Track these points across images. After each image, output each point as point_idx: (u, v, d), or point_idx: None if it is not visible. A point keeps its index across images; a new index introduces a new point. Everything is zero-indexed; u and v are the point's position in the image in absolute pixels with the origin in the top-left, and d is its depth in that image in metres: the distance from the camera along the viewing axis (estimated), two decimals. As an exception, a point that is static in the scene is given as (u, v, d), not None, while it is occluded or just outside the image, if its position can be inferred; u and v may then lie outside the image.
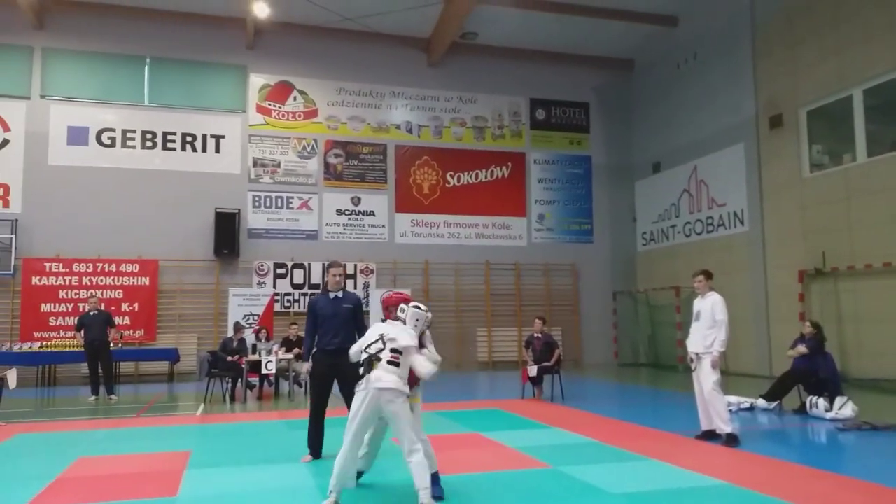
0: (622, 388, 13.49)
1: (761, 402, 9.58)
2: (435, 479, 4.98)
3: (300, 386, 11.84)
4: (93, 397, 11.43)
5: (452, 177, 18.32)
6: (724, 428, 7.05)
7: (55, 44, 15.81)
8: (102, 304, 12.90)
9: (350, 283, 16.87)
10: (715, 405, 7.12)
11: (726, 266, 15.07)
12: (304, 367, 6.48)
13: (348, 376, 5.94)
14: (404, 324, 5.14)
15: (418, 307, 5.27)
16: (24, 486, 5.50)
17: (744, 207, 15.43)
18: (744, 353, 14.77)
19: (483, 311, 17.57)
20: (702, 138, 16.80)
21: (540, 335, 10.94)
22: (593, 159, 19.49)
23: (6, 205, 15.21)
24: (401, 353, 4.89)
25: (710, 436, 7.23)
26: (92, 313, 11.70)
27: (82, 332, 11.57)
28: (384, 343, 4.91)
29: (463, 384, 13.66)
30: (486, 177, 18.57)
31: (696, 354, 7.28)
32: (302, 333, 12.36)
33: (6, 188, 15.27)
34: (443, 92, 18.40)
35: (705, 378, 7.17)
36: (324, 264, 16.63)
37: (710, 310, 7.21)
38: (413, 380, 5.02)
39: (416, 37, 17.93)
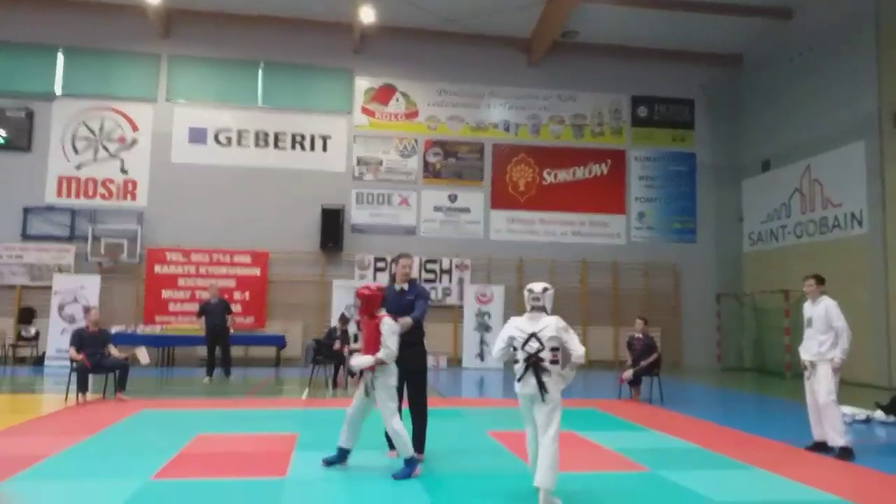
0: (725, 392, 13.01)
1: (879, 415, 9.03)
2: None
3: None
4: (207, 378, 12.23)
5: (549, 174, 18.22)
6: (838, 440, 6.69)
7: (179, 51, 17.01)
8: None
9: (445, 277, 17.19)
10: (829, 416, 6.75)
11: (841, 269, 14.18)
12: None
13: (416, 379, 6.11)
14: (543, 311, 5.03)
15: (547, 288, 5.18)
16: (150, 457, 5.98)
17: (863, 208, 14.48)
18: (860, 362, 13.82)
19: (579, 310, 17.39)
20: (816, 136, 15.88)
21: (641, 335, 10.75)
22: (698, 157, 18.83)
23: (134, 198, 16.50)
24: (558, 348, 4.87)
25: (822, 448, 6.87)
26: (213, 301, 12.58)
27: (203, 318, 12.43)
28: (541, 342, 4.87)
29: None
30: (584, 174, 18.34)
31: (811, 362, 6.96)
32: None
33: (134, 184, 16.56)
34: (542, 91, 18.33)
35: (820, 387, 6.82)
36: (421, 259, 17.01)
37: (823, 315, 6.88)
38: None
39: (516, 37, 17.94)
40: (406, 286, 6.27)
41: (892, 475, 5.99)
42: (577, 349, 4.90)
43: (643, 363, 10.43)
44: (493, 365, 16.04)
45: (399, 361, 5.74)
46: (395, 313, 5.90)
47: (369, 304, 5.67)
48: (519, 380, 4.95)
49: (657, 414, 9.28)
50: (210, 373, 12.32)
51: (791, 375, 15.38)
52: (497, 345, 5.15)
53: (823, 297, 7.02)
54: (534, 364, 4.86)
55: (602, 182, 18.36)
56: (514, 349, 5.00)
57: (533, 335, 4.90)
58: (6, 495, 4.79)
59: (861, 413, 9.07)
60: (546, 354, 4.87)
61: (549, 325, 4.93)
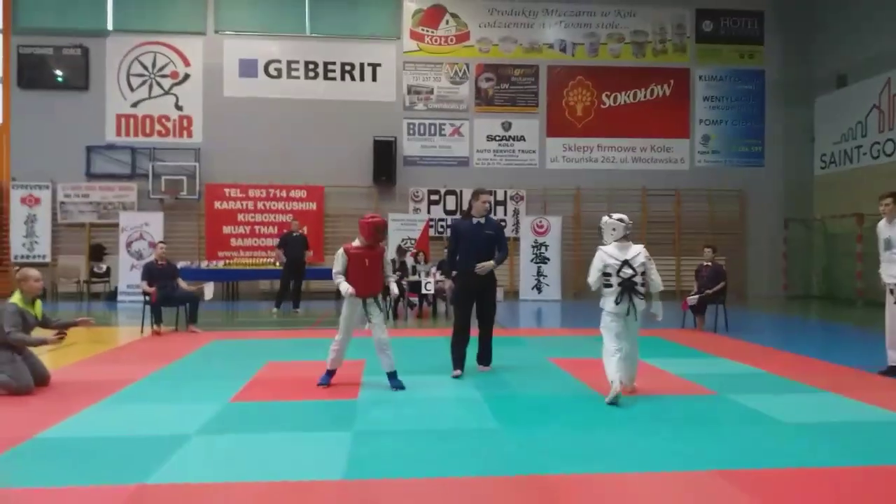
0: (793, 321, 12.67)
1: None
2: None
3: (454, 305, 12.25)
4: (275, 310, 12.53)
5: (608, 97, 17.55)
6: None
7: (226, -20, 16.77)
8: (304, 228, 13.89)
9: (500, 209, 16.97)
10: None
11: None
12: (448, 285, 6.78)
13: (488, 293, 6.78)
14: (623, 239, 5.69)
15: (622, 218, 5.80)
16: (226, 383, 6.20)
17: (949, 124, 13.53)
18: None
19: (639, 240, 16.91)
20: (898, 46, 14.76)
21: (709, 263, 10.45)
22: (767, 74, 17.79)
23: (189, 135, 16.68)
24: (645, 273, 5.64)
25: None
26: (295, 234, 12.78)
27: (283, 250, 12.63)
28: (633, 268, 5.58)
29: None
30: (645, 96, 17.59)
31: (893, 284, 6.59)
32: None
33: (189, 120, 16.70)
34: (599, 6, 17.46)
35: None
36: (478, 192, 16.75)
37: None
38: None
39: (571, -52, 17.03)
40: (483, 220, 6.73)
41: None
42: (657, 279, 5.71)
43: (708, 291, 10.16)
44: (552, 297, 16.00)
45: (475, 284, 6.60)
46: (473, 245, 6.57)
47: (370, 232, 6.00)
48: (617, 302, 5.59)
49: (722, 342, 9.13)
50: (279, 304, 12.58)
51: (862, 303, 14.85)
52: (593, 274, 5.73)
53: None
54: (629, 288, 5.57)
55: (664, 104, 17.58)
56: (608, 275, 5.64)
57: (626, 262, 5.59)
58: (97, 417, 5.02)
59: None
60: (638, 279, 5.61)
61: (640, 253, 5.66)
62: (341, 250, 6.08)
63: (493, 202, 16.62)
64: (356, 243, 6.12)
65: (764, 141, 17.83)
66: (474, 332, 6.83)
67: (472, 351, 6.88)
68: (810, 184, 17.81)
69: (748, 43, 17.80)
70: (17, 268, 6.25)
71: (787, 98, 17.78)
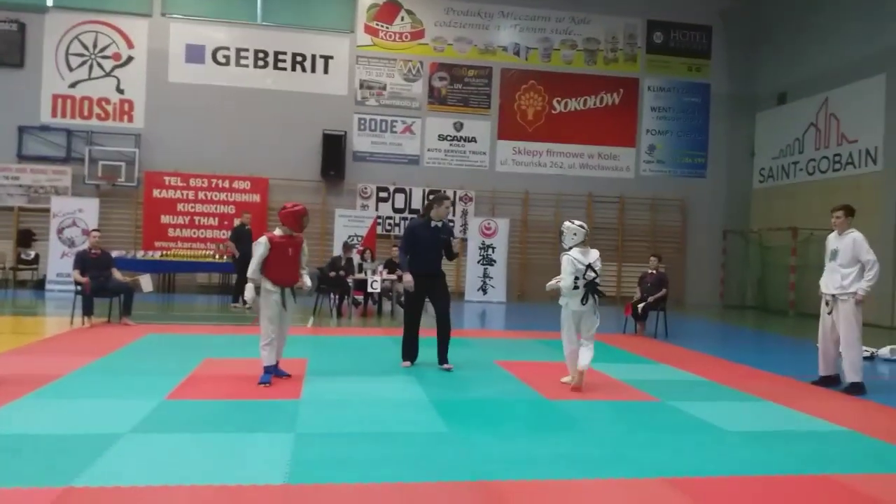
0: (729, 329, 13.05)
1: (883, 352, 9.04)
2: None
3: (401, 306, 12.12)
4: (233, 305, 12.35)
5: (559, 103, 17.72)
6: (855, 377, 6.63)
7: (174, -39, 16.19)
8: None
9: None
10: (851, 352, 6.65)
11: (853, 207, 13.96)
12: (408, 279, 6.83)
13: (441, 295, 7.00)
14: (581, 244, 6.18)
15: (582, 224, 6.33)
16: (162, 378, 5.95)
17: (878, 145, 14.18)
18: (865, 301, 13.85)
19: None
20: (836, 68, 15.38)
21: (654, 271, 10.68)
22: (713, 87, 18.29)
23: (131, 119, 16.04)
24: None
25: (828, 382, 6.87)
26: (247, 228, 12.47)
27: (236, 244, 12.38)
28: (595, 271, 6.13)
29: (559, 315, 13.57)
30: (594, 103, 17.85)
31: (833, 296, 6.81)
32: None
33: (131, 104, 16.06)
34: (554, 12, 17.60)
35: (845, 322, 6.66)
36: (424, 190, 16.73)
37: (850, 248, 6.68)
38: None
39: (528, -47, 17.12)
40: (440, 223, 6.97)
41: (905, 410, 5.98)
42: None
43: (651, 298, 10.37)
44: (497, 298, 16.05)
45: (425, 286, 6.90)
46: (429, 246, 6.86)
47: (297, 220, 6.09)
48: (584, 302, 6.13)
49: (663, 348, 9.30)
50: (236, 299, 12.25)
51: (794, 314, 15.42)
52: (567, 278, 6.13)
53: (851, 230, 6.81)
54: (592, 289, 6.13)
55: (613, 112, 17.89)
56: (576, 278, 6.11)
57: (589, 266, 6.12)
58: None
59: (865, 351, 9.05)
60: (598, 280, 6.16)
61: (598, 258, 6.23)
62: (264, 238, 6.04)
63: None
64: (278, 232, 6.12)
65: (707, 153, 18.34)
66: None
67: (431, 353, 7.00)
68: (749, 196, 18.42)
69: (696, 56, 18.28)
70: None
71: (730, 112, 18.34)
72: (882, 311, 13.47)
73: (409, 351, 7.05)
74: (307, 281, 6.37)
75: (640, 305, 10.41)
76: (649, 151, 18.08)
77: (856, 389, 6.60)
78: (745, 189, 18.43)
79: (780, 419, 5.47)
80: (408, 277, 6.85)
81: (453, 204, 16.98)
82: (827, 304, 6.90)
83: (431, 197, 7.24)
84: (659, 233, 17.77)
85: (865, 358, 8.89)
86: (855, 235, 6.74)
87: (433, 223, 6.91)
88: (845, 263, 6.71)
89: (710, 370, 7.52)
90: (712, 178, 18.31)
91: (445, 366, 6.96)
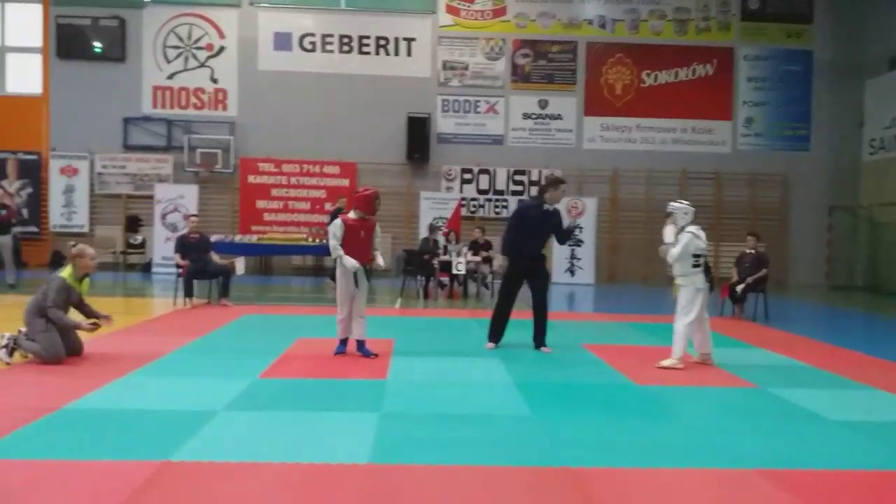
0: (836, 312, 12.28)
1: None
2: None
3: (487, 288, 12.12)
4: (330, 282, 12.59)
5: (648, 76, 17.06)
6: None
7: (262, -48, 16.62)
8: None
9: (534, 189, 16.65)
10: None
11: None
12: (500, 262, 6.82)
13: (540, 276, 7.02)
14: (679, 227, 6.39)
15: (690, 204, 6.59)
16: (256, 358, 6.16)
17: None
18: None
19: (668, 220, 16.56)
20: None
21: (752, 251, 10.16)
22: (815, 55, 17.11)
23: (225, 108, 16.69)
24: None
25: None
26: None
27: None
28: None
29: (654, 298, 13.20)
30: (687, 75, 17.06)
31: None
32: (487, 238, 12.63)
33: (224, 93, 16.70)
34: (642, -18, 16.92)
35: None
36: (509, 171, 16.56)
37: None
38: None
39: (615, -79, 16.46)
40: (552, 208, 6.92)
41: None
42: None
43: (750, 279, 9.87)
44: (585, 280, 15.75)
45: (526, 267, 6.90)
46: (538, 229, 6.86)
47: (369, 203, 6.27)
48: (708, 280, 6.40)
49: (762, 331, 8.86)
50: (333, 277, 12.54)
51: (909, 293, 14.34)
52: (681, 252, 6.29)
53: None
54: (707, 268, 6.40)
55: (707, 84, 17.03)
56: (697, 255, 6.29)
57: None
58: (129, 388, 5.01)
59: None
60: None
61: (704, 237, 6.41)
62: (339, 221, 6.29)
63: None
64: (352, 215, 6.32)
65: (810, 125, 17.20)
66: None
67: (519, 335, 7.07)
68: (858, 170, 17.16)
69: (796, 22, 17.10)
70: (73, 242, 6.23)
71: (835, 80, 17.09)
72: None
73: (497, 333, 7.02)
74: (380, 261, 6.54)
75: (739, 287, 9.92)
76: (747, 124, 17.13)
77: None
78: (853, 162, 17.17)
79: (891, 409, 5.08)
80: (499, 260, 6.87)
81: (538, 183, 16.72)
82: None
83: (547, 179, 7.17)
84: (758, 210, 16.87)
85: None
86: None
87: (545, 206, 6.85)
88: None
89: (814, 355, 7.09)
90: (816, 151, 17.18)
91: (544, 349, 6.95)
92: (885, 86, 16.34)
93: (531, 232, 6.82)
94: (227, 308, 9.53)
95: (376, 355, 6.33)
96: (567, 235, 7.10)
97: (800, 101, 17.20)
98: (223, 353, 6.50)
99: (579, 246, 7.24)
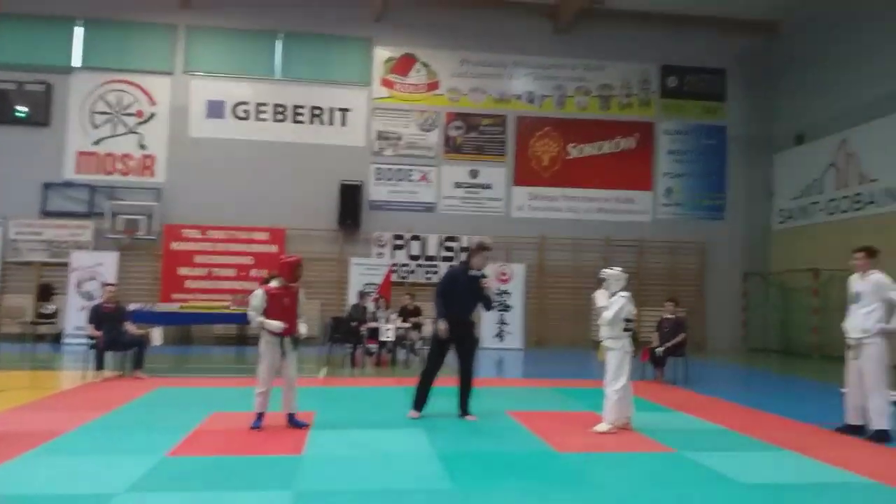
0: (751, 373, 12.71)
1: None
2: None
3: (415, 354, 12.02)
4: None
5: (574, 148, 17.78)
6: (882, 424, 6.35)
7: (197, 21, 16.75)
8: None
9: (464, 256, 16.87)
10: (876, 397, 6.39)
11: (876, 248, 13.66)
12: (442, 327, 6.85)
13: (468, 342, 7.07)
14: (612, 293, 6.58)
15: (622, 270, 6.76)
16: (166, 434, 5.88)
17: (900, 183, 13.95)
18: (891, 343, 13.43)
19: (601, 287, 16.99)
20: (854, 107, 15.27)
21: (671, 316, 10.49)
22: (729, 130, 18.26)
23: (152, 174, 16.39)
24: None
25: (853, 430, 6.59)
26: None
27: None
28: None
29: (578, 362, 13.37)
30: (610, 148, 17.88)
31: (857, 340, 6.59)
32: (417, 304, 12.62)
33: (153, 159, 16.44)
34: (568, 60, 17.83)
35: (870, 366, 6.43)
36: (440, 237, 16.77)
37: (872, 290, 6.48)
38: None
39: (542, 3, 17.40)
40: (479, 272, 7.03)
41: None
42: None
43: (669, 343, 10.16)
44: (514, 345, 15.87)
45: (457, 335, 6.93)
46: (466, 293, 6.91)
47: (291, 271, 6.27)
48: (633, 345, 6.66)
49: (682, 395, 9.04)
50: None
51: (818, 357, 15.00)
52: (615, 315, 6.47)
53: (873, 271, 6.62)
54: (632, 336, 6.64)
55: (629, 157, 17.88)
56: (629, 321, 6.52)
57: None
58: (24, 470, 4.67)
59: (893, 395, 8.70)
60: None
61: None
62: (259, 290, 6.24)
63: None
64: (275, 284, 6.31)
65: (725, 195, 18.19)
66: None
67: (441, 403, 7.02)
68: (769, 238, 18.15)
69: (711, 99, 18.30)
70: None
71: (747, 153, 18.24)
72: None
73: (422, 400, 6.96)
74: (303, 329, 6.44)
75: (659, 350, 10.18)
76: (666, 194, 17.98)
77: (881, 437, 6.32)
78: (764, 230, 18.18)
79: (801, 470, 5.25)
80: (442, 325, 6.86)
81: (468, 250, 16.91)
82: (851, 348, 6.67)
83: (472, 246, 7.34)
84: (678, 276, 17.52)
85: (893, 403, 8.58)
86: (877, 277, 6.55)
87: (472, 272, 6.98)
88: (868, 306, 6.50)
89: (730, 418, 7.28)
90: (731, 220, 18.12)
91: (469, 417, 6.92)
92: (792, 160, 17.53)
93: (459, 297, 6.90)
94: (141, 380, 9.11)
95: (307, 425, 6.19)
96: (486, 299, 7.12)
97: (716, 173, 18.21)
98: (131, 429, 6.17)
99: (489, 308, 7.18)
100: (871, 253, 6.72)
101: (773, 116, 18.25)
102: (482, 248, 7.12)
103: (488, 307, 7.18)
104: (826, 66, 16.27)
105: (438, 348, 7.00)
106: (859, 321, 6.55)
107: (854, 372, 6.64)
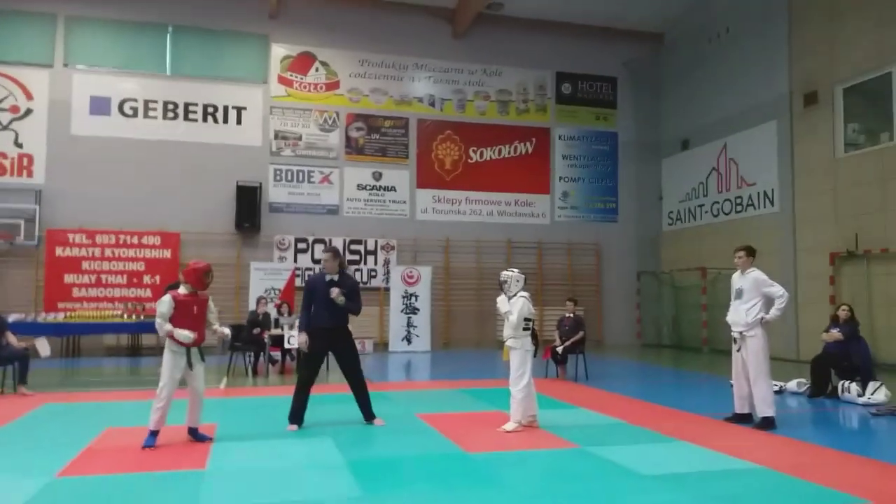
0: (646, 368, 13.35)
1: (791, 385, 9.45)
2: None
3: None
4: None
5: (475, 152, 18.08)
6: (767, 411, 6.83)
7: (78, 11, 15.69)
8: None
9: (371, 258, 16.83)
10: (761, 386, 6.87)
11: (755, 247, 14.70)
12: (301, 339, 6.72)
13: (344, 351, 6.84)
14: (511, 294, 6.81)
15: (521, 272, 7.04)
16: (55, 453, 5.52)
17: (774, 187, 15.09)
18: (771, 335, 14.51)
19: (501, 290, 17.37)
20: (732, 115, 16.41)
21: (571, 315, 10.85)
22: (620, 136, 19.15)
23: (30, 174, 15.24)
24: None
25: (742, 419, 7.08)
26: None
27: None
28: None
29: (483, 362, 13.59)
30: (509, 152, 18.30)
31: (740, 333, 7.06)
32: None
33: (30, 158, 15.28)
34: (467, 65, 18.10)
35: (754, 357, 6.91)
36: (345, 240, 16.63)
37: (753, 286, 6.98)
38: None
39: (440, 6, 17.59)
40: (336, 277, 6.76)
41: (808, 443, 6.22)
42: None
43: (568, 341, 10.51)
44: (422, 348, 15.93)
45: (326, 342, 6.77)
46: (325, 300, 6.60)
47: (199, 278, 6.02)
48: (534, 343, 6.86)
49: (583, 391, 9.38)
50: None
51: (708, 350, 15.98)
52: (518, 317, 6.65)
53: (753, 269, 7.14)
54: (534, 335, 6.92)
55: (527, 161, 18.38)
56: (528, 320, 6.71)
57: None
58: None
59: (775, 384, 9.41)
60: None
61: None
62: (167, 297, 5.94)
63: (333, 256, 16.53)
64: (182, 290, 6.01)
65: (617, 198, 19.04)
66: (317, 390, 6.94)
67: (346, 410, 6.93)
68: (659, 239, 19.18)
69: (603, 106, 19.12)
70: None
71: (637, 158, 19.18)
72: (788, 344, 14.13)
73: (299, 413, 6.69)
74: (226, 330, 6.27)
75: (559, 349, 10.52)
76: (563, 198, 18.61)
77: (766, 424, 6.80)
78: (655, 232, 19.19)
79: (695, 460, 5.55)
80: (302, 337, 6.70)
81: (373, 252, 16.88)
82: (735, 341, 7.15)
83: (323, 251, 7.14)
84: (576, 276, 18.19)
85: (776, 392, 9.28)
86: (756, 274, 7.07)
87: (327, 277, 6.78)
88: (749, 301, 6.99)
89: (629, 412, 7.62)
90: (623, 222, 18.99)
91: (375, 421, 6.86)
92: (678, 164, 18.59)
93: (319, 303, 6.70)
94: (26, 397, 8.46)
95: (211, 439, 5.97)
96: (343, 308, 6.75)
97: (608, 177, 19.03)
98: (17, 448, 5.75)
99: (356, 313, 7.01)
100: (750, 252, 7.25)
101: (660, 123, 19.31)
102: (326, 251, 6.93)
103: (354, 312, 6.84)
104: (706, 76, 17.39)
105: (307, 360, 6.86)
106: (741, 315, 7.04)
107: (739, 363, 7.12)
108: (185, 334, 5.82)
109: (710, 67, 17.25)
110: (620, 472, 5.14)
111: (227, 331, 6.29)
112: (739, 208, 16.17)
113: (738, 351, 7.11)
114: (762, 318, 6.91)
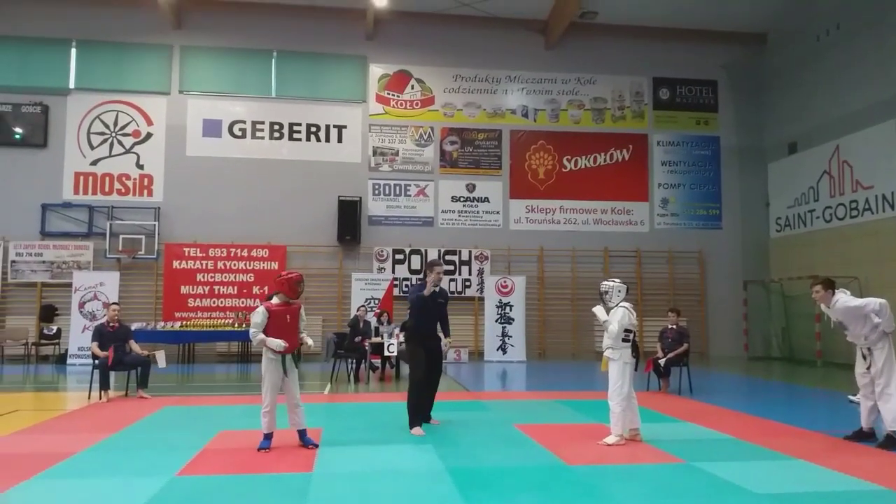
0: (755, 382, 12.70)
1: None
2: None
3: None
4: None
5: (569, 161, 17.90)
6: (894, 426, 6.35)
7: (191, 41, 16.86)
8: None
9: (465, 268, 16.99)
10: (888, 401, 6.40)
11: (873, 253, 13.78)
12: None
13: (438, 356, 7.31)
14: (613, 305, 6.67)
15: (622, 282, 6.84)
16: (173, 455, 5.87)
17: (894, 190, 14.05)
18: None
19: (600, 300, 17.02)
20: (845, 115, 15.44)
21: (674, 326, 10.52)
22: (722, 140, 18.42)
23: (150, 194, 16.42)
24: None
25: (862, 436, 6.61)
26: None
27: None
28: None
29: (580, 373, 13.38)
30: (605, 160, 18.00)
31: (868, 349, 6.62)
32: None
33: (150, 178, 16.47)
34: (560, 74, 18.00)
35: (881, 370, 6.47)
36: (440, 251, 16.86)
37: (847, 316, 6.61)
38: None
39: (533, 19, 17.61)
40: (437, 289, 7.22)
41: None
42: None
43: (672, 353, 10.18)
44: (517, 357, 15.86)
45: (432, 346, 7.25)
46: (433, 312, 7.19)
47: (292, 287, 6.22)
48: (634, 354, 6.61)
49: (688, 405, 9.04)
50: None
51: (822, 363, 15.03)
52: (617, 326, 6.49)
53: (836, 299, 6.70)
54: (635, 347, 6.64)
55: (624, 168, 18.01)
56: (629, 331, 6.53)
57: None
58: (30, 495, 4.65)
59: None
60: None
61: None
62: (262, 308, 6.18)
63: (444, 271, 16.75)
64: (276, 300, 6.24)
65: (721, 204, 18.30)
66: None
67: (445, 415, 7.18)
68: (767, 246, 18.24)
69: (703, 110, 18.48)
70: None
71: (741, 163, 18.38)
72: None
73: (420, 417, 7.12)
74: (309, 340, 6.42)
75: (662, 361, 10.20)
76: (663, 205, 18.08)
77: (892, 443, 6.32)
78: (762, 239, 18.28)
79: (812, 478, 5.25)
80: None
81: (468, 262, 17.03)
82: (864, 357, 6.69)
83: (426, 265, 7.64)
84: (678, 285, 17.59)
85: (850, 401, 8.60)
86: (840, 304, 6.65)
87: (427, 290, 7.14)
88: (857, 325, 6.59)
89: (737, 427, 7.29)
90: (728, 229, 18.21)
91: (433, 421, 7.36)
92: (785, 168, 17.66)
93: (426, 315, 7.18)
94: (146, 400, 9.09)
95: (317, 445, 6.17)
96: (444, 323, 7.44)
97: (711, 183, 18.34)
98: (139, 449, 6.15)
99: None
100: (827, 285, 6.83)
101: (764, 126, 18.42)
102: (432, 265, 7.21)
103: (446, 333, 7.45)
104: (814, 76, 16.48)
105: (421, 365, 7.14)
106: (861, 340, 6.65)
107: (867, 378, 6.66)
108: (277, 343, 6.03)
109: (819, 66, 16.32)
110: (731, 489, 4.92)
111: (310, 342, 6.46)
112: (855, 213, 15.15)
113: (868, 368, 6.65)
114: (884, 332, 6.46)
